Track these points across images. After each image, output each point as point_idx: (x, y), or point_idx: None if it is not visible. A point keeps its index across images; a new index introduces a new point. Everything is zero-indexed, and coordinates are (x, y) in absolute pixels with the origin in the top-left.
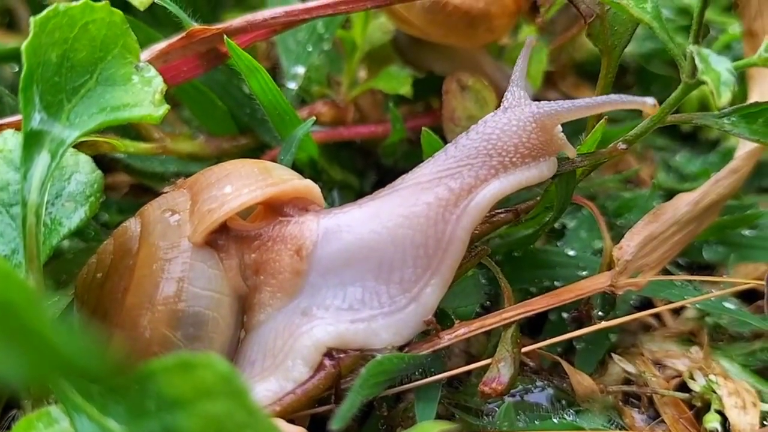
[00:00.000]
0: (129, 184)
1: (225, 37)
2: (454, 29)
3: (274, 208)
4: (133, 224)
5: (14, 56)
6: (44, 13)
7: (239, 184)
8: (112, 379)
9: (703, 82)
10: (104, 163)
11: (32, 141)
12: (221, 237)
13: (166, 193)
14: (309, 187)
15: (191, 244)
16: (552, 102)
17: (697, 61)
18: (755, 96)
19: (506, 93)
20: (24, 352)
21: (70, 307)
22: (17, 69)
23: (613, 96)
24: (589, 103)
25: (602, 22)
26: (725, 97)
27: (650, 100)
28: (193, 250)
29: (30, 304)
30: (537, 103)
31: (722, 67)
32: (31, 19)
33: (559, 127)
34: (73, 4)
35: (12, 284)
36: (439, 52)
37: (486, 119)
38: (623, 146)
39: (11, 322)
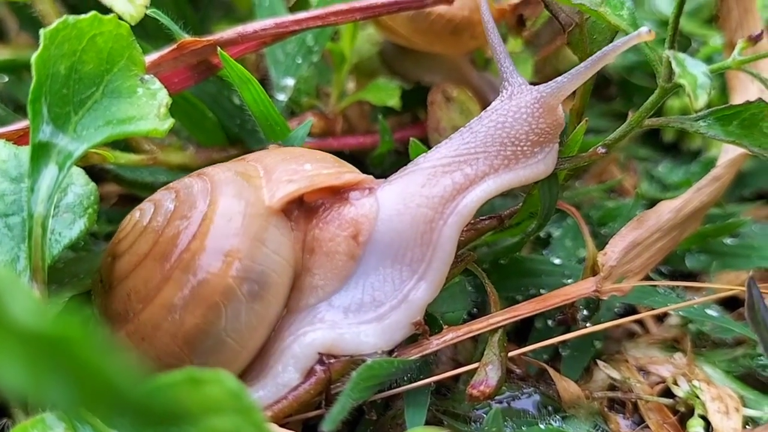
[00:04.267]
0: (118, 194)
1: (218, 48)
2: (438, 37)
3: (334, 193)
4: (196, 182)
5: (3, 68)
6: (54, 25)
7: (318, 165)
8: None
9: (679, 86)
10: (93, 173)
11: (40, 153)
12: (294, 209)
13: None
14: (372, 180)
15: (268, 207)
16: (550, 81)
17: (673, 65)
18: (736, 101)
19: (504, 83)
20: (79, 386)
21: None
22: (6, 80)
23: (606, 48)
24: (585, 65)
25: (581, 31)
26: (702, 99)
27: (645, 29)
28: (269, 214)
29: (84, 338)
30: (537, 86)
31: (698, 70)
32: (42, 32)
33: (561, 108)
34: (82, 16)
35: (66, 319)
36: (426, 62)
37: (495, 107)
38: (602, 150)
39: (67, 355)
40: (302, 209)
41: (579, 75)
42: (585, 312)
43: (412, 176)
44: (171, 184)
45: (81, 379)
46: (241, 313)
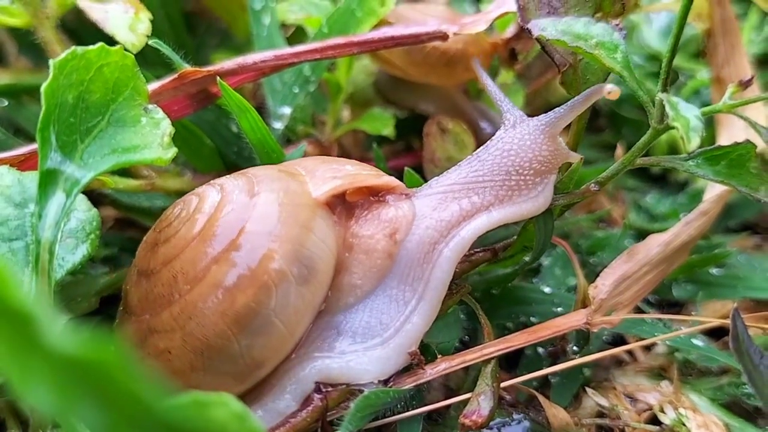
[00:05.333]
0: (114, 218)
1: (218, 78)
2: (433, 68)
3: (373, 194)
4: (239, 178)
5: (3, 92)
6: (63, 56)
7: (357, 167)
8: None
9: (671, 127)
10: (91, 197)
11: (48, 180)
12: (338, 205)
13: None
14: (405, 187)
15: (314, 199)
16: (549, 112)
17: (667, 108)
18: (723, 140)
19: (505, 114)
20: (110, 409)
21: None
22: (6, 104)
23: (585, 92)
24: (574, 101)
25: (575, 72)
26: (694, 142)
27: (608, 87)
28: (316, 205)
29: (116, 362)
30: (536, 117)
31: (691, 114)
32: (51, 62)
33: (561, 138)
34: (90, 48)
35: (98, 344)
36: (420, 92)
37: (500, 136)
38: (595, 187)
39: (99, 379)
40: (344, 207)
41: (576, 106)
42: (575, 347)
43: (425, 200)
44: (211, 181)
45: (113, 403)
46: (290, 295)
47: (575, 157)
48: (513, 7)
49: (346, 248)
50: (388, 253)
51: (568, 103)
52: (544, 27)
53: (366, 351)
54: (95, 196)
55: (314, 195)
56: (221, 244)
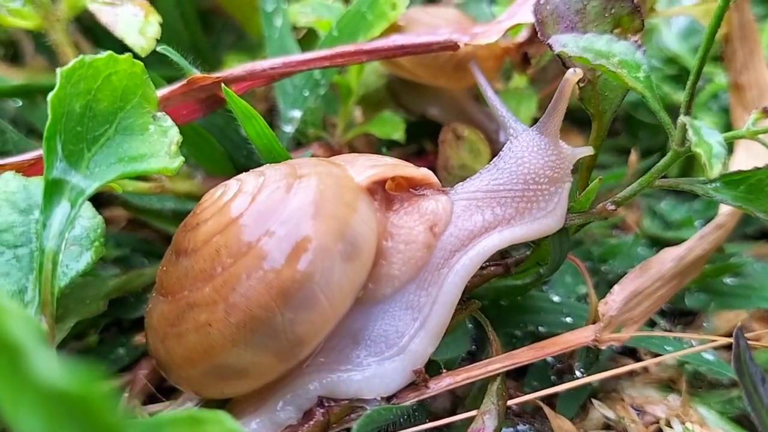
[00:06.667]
0: (127, 218)
1: (223, 85)
2: (441, 71)
3: (412, 187)
4: (280, 165)
5: (17, 92)
6: (71, 64)
7: (396, 161)
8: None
9: (693, 151)
10: (102, 198)
11: (53, 190)
12: (378, 192)
13: None
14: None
15: (357, 183)
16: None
17: (689, 133)
18: (740, 158)
19: (509, 128)
20: None
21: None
22: (20, 104)
23: (558, 88)
24: (554, 100)
25: (593, 88)
26: (716, 169)
27: (570, 72)
28: (359, 189)
29: (98, 397)
30: (534, 126)
31: (714, 139)
32: (58, 71)
33: (561, 142)
34: (98, 56)
35: (83, 379)
36: (429, 95)
37: (510, 146)
38: (611, 207)
39: (83, 413)
40: (383, 197)
41: (556, 104)
42: (582, 368)
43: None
44: (249, 171)
45: None
46: (335, 271)
47: (584, 152)
48: (525, 18)
49: (386, 237)
50: (428, 245)
51: (551, 103)
52: (566, 43)
53: (382, 362)
54: (106, 197)
55: (357, 180)
56: (266, 219)
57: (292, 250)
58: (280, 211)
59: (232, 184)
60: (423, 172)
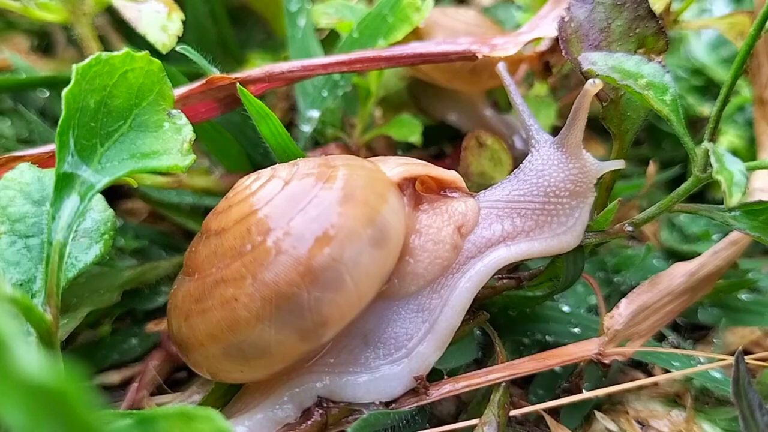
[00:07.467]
0: (148, 210)
1: (239, 86)
2: (458, 74)
3: (441, 188)
4: (312, 158)
5: (45, 83)
6: (87, 61)
7: (425, 162)
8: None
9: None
10: (123, 190)
11: (64, 183)
12: (408, 188)
13: None
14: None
15: (389, 177)
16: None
17: (712, 160)
18: (759, 185)
19: (531, 138)
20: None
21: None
22: (47, 94)
23: (578, 98)
24: (573, 111)
25: (616, 107)
26: (736, 197)
27: (589, 82)
28: (390, 183)
29: (77, 392)
30: (555, 138)
31: (736, 168)
32: (74, 67)
33: (586, 153)
34: (115, 53)
35: (63, 375)
36: (446, 98)
37: (531, 159)
38: (630, 228)
39: (62, 407)
40: (413, 195)
41: (576, 115)
42: (587, 384)
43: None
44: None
45: (72, 428)
46: (363, 255)
47: (611, 166)
48: (546, 32)
49: (414, 233)
50: (454, 245)
51: (570, 115)
52: (594, 61)
53: (388, 365)
54: (126, 188)
55: (389, 175)
56: (298, 201)
57: (322, 231)
58: (312, 195)
59: (266, 171)
60: (452, 175)
